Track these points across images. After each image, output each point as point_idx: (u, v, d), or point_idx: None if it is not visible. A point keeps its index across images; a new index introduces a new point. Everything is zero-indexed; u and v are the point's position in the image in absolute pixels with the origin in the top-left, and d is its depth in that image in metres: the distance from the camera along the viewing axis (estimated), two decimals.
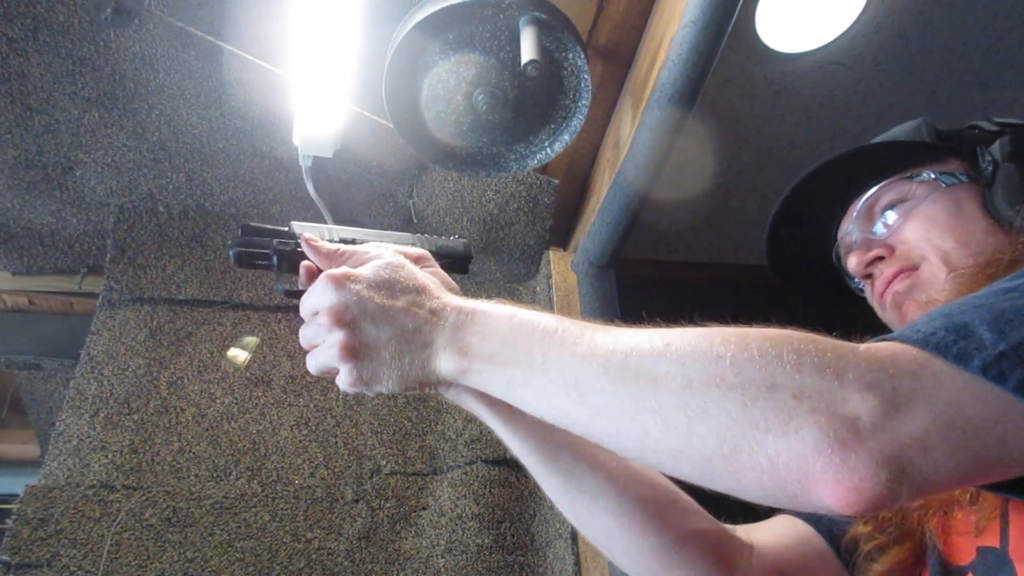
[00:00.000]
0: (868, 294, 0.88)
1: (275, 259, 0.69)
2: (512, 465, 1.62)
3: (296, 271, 0.69)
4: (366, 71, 1.39)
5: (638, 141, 1.38)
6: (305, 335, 0.66)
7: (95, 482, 1.46)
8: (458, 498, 1.55)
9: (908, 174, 0.84)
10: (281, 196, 1.76)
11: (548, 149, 1.36)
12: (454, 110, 1.27)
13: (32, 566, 1.36)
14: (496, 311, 0.60)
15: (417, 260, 0.71)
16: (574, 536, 1.47)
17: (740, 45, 1.73)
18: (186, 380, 1.61)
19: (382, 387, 0.62)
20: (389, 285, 0.63)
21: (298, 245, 0.69)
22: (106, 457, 1.49)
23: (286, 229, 0.71)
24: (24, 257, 1.75)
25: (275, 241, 0.69)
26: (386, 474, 1.59)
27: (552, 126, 1.34)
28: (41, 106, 1.53)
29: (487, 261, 1.91)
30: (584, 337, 0.54)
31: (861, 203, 0.87)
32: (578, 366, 0.53)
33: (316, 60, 1.36)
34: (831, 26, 1.69)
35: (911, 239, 0.81)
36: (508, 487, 1.59)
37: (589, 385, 0.52)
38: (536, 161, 1.38)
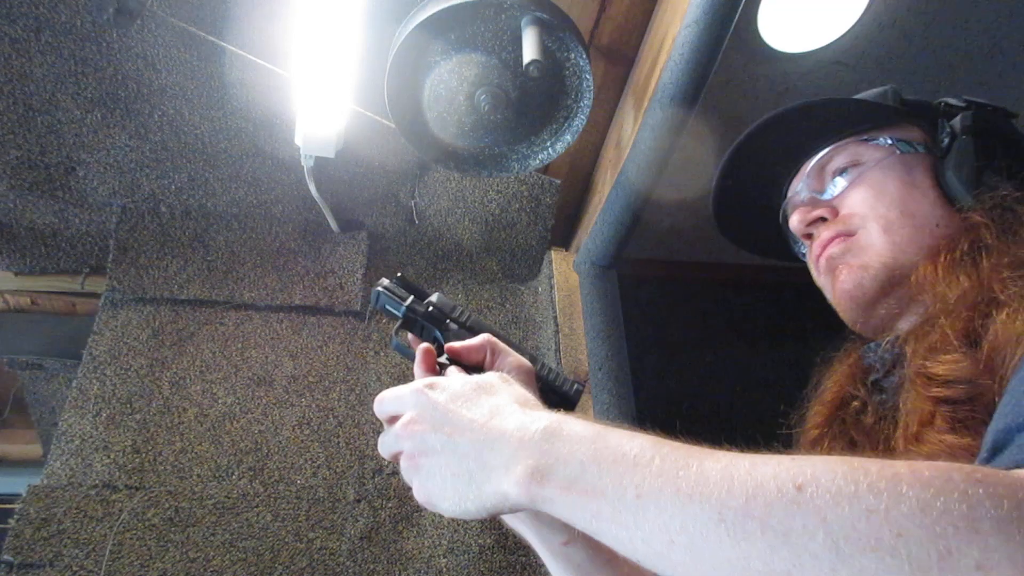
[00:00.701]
0: (808, 256, 0.86)
1: (402, 313, 0.74)
2: None
3: (412, 332, 0.75)
4: (368, 71, 1.39)
5: (640, 141, 1.38)
6: (384, 443, 0.63)
7: (97, 482, 1.46)
8: None
9: (865, 136, 0.82)
10: (283, 196, 1.76)
11: (550, 149, 1.36)
12: (456, 110, 1.27)
13: (34, 566, 1.36)
14: (578, 429, 0.50)
15: (519, 369, 0.69)
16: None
17: (742, 45, 1.73)
18: (188, 380, 1.62)
19: (442, 508, 0.55)
20: (470, 398, 0.57)
21: (426, 313, 0.74)
22: (108, 457, 1.49)
23: (428, 293, 0.76)
24: (27, 257, 1.75)
25: (411, 299, 0.74)
26: (388, 474, 1.59)
27: (554, 126, 1.34)
28: (44, 106, 1.54)
29: (488, 261, 1.91)
30: (688, 468, 0.44)
31: (813, 162, 0.85)
32: (684, 508, 0.42)
33: (318, 60, 1.36)
34: (833, 26, 1.69)
35: (856, 204, 0.79)
36: None
37: (700, 535, 0.42)
38: (538, 161, 1.38)
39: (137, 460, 1.50)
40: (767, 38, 1.70)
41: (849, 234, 0.78)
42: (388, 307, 0.74)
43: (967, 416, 0.57)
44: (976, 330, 0.61)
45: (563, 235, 1.91)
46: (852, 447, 0.74)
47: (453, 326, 0.73)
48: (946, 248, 0.70)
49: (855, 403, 0.77)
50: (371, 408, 1.78)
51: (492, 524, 1.54)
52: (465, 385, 0.59)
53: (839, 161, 0.82)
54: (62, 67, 1.48)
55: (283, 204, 1.78)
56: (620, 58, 1.51)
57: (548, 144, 1.36)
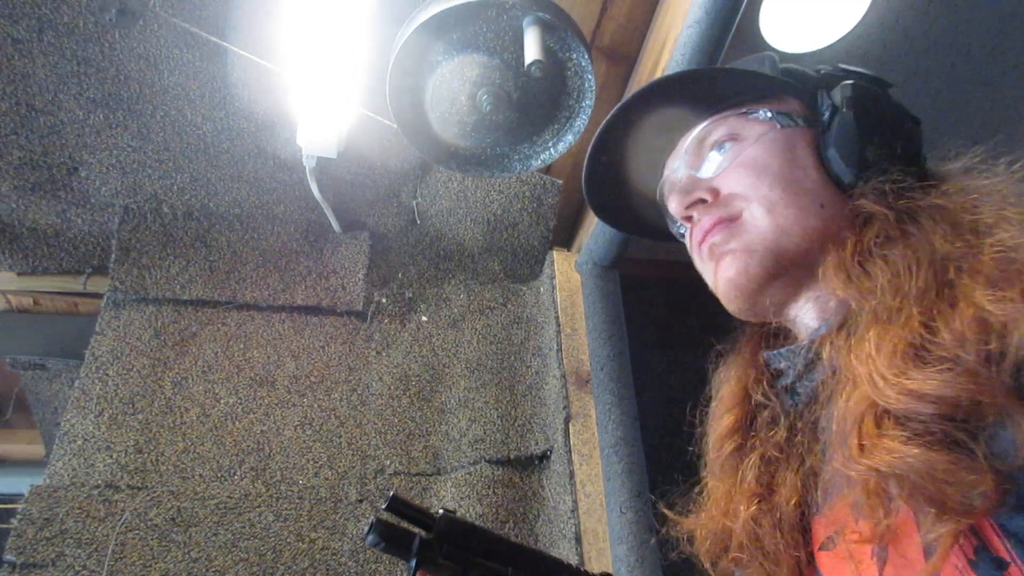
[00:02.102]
0: (687, 238, 0.81)
1: (414, 553, 0.59)
2: (516, 465, 1.62)
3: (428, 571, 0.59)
4: (370, 72, 1.39)
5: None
6: None
7: (100, 482, 1.46)
8: (462, 498, 1.55)
9: (744, 109, 0.77)
10: (285, 196, 1.76)
11: (552, 149, 1.36)
12: (458, 111, 1.27)
13: (37, 566, 1.36)
14: None
15: None
16: (578, 537, 1.47)
17: (744, 45, 1.73)
18: (190, 380, 1.62)
19: None
20: None
21: (445, 550, 0.59)
22: (111, 457, 1.50)
23: (431, 515, 0.61)
24: (29, 257, 1.75)
25: (418, 535, 0.60)
26: (390, 474, 1.59)
27: (556, 126, 1.34)
28: (46, 107, 1.54)
29: (490, 261, 1.90)
30: None
31: (691, 138, 0.79)
32: None
33: (320, 61, 1.36)
34: (835, 26, 1.69)
35: (736, 184, 0.73)
36: (512, 487, 1.59)
37: None
38: (540, 161, 1.38)
39: (139, 460, 1.50)
40: (769, 39, 1.69)
41: (732, 219, 0.73)
42: (389, 550, 0.59)
43: (927, 430, 0.53)
44: (934, 337, 0.55)
45: (565, 235, 1.91)
46: (768, 465, 0.70)
47: (482, 562, 0.60)
48: (853, 239, 0.66)
49: (765, 413, 0.73)
50: (374, 409, 1.79)
51: (494, 524, 1.54)
52: None
53: (717, 135, 0.77)
54: (64, 68, 1.48)
55: (285, 204, 1.78)
56: (622, 58, 1.51)
57: (550, 144, 1.36)
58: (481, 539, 0.61)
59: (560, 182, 1.76)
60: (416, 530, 0.60)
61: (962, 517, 0.50)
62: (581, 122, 1.31)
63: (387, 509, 0.60)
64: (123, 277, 1.68)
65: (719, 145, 0.77)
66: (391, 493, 0.61)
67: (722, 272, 0.73)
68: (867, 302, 0.61)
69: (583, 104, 1.29)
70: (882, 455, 0.54)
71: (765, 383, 0.74)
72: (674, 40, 1.24)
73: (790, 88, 0.78)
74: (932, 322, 0.56)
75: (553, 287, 1.81)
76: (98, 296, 1.74)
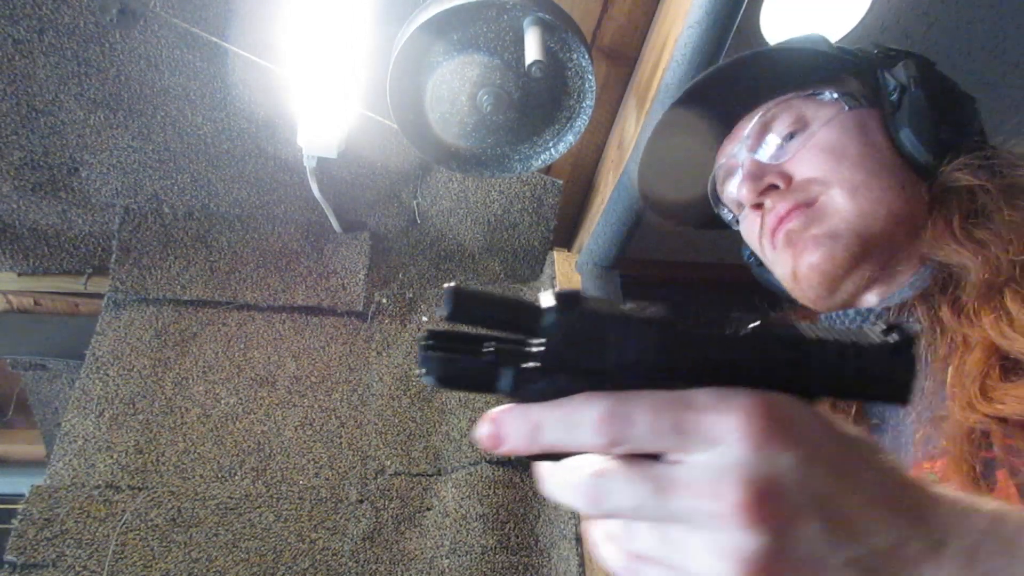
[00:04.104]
0: (747, 227, 0.78)
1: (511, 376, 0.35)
2: (516, 466, 1.62)
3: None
4: (370, 72, 1.39)
5: (642, 142, 1.38)
6: (632, 534, 0.34)
7: (100, 482, 1.47)
8: (462, 499, 1.55)
9: (809, 91, 0.75)
10: (286, 197, 1.76)
11: (552, 150, 1.36)
12: (458, 111, 1.27)
13: (37, 566, 1.36)
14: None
15: None
16: (578, 537, 1.47)
17: (745, 46, 1.73)
18: (191, 380, 1.62)
19: None
20: (856, 466, 0.33)
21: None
22: (111, 457, 1.50)
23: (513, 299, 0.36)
24: (30, 258, 1.75)
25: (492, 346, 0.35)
26: (390, 475, 1.59)
27: (556, 127, 1.34)
28: (47, 107, 1.54)
29: (491, 262, 1.91)
30: None
31: (754, 122, 0.77)
32: None
33: (320, 61, 1.36)
34: (836, 27, 1.69)
35: (813, 169, 0.71)
36: (512, 488, 1.59)
37: None
38: (540, 162, 1.38)
39: (140, 460, 1.50)
40: (770, 39, 1.69)
41: (808, 204, 0.71)
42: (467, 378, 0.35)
43: None
44: None
45: (565, 236, 1.91)
46: None
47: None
48: (958, 209, 0.65)
49: None
50: (374, 409, 1.79)
51: (494, 524, 1.54)
52: (835, 429, 0.34)
53: (784, 121, 0.75)
54: (65, 68, 1.48)
55: (285, 205, 1.78)
56: (622, 59, 1.51)
57: (550, 145, 1.36)
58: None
59: (561, 182, 1.76)
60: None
61: None
62: (581, 122, 1.31)
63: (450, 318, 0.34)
64: (124, 277, 1.68)
65: (788, 129, 0.74)
66: (449, 287, 0.34)
67: (805, 259, 0.70)
68: (989, 264, 0.60)
69: (583, 104, 1.29)
70: (1018, 404, 0.52)
71: None
72: (675, 40, 1.24)
73: (851, 67, 0.75)
74: None
75: (554, 288, 1.81)
76: (99, 296, 1.74)
